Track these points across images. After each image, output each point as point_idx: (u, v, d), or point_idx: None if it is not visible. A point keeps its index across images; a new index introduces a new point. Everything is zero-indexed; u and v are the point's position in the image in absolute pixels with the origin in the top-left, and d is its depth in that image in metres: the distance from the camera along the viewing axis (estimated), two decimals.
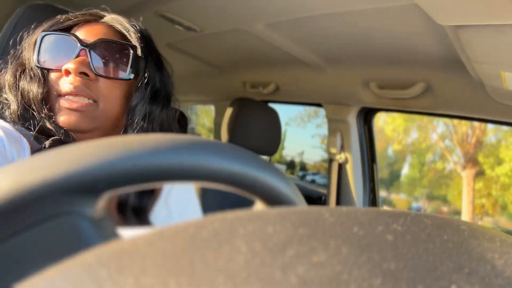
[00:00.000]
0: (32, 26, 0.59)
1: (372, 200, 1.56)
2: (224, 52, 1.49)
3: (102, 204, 0.22)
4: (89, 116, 0.55)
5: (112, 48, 0.57)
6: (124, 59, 0.57)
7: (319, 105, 1.61)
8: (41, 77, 0.55)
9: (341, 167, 1.53)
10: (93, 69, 0.54)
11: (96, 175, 0.20)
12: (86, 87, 0.54)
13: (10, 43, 0.63)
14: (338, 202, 1.54)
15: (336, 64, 1.29)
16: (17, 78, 0.57)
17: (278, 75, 1.55)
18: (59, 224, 0.20)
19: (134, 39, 0.59)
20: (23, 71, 0.57)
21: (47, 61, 0.56)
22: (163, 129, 0.62)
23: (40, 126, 0.53)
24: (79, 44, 0.55)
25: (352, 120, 1.48)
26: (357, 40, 1.05)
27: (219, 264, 0.12)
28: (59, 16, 0.59)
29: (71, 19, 0.59)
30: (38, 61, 0.56)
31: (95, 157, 0.20)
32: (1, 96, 0.57)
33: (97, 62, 0.55)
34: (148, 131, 0.60)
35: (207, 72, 1.81)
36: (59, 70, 0.55)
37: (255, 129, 1.40)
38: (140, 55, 0.59)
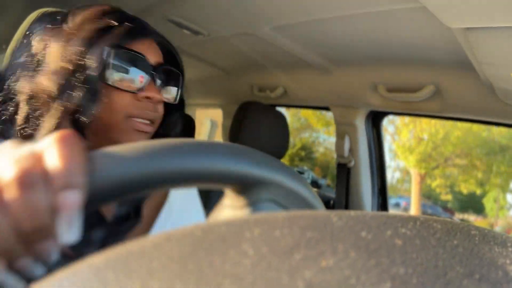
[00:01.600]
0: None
1: (381, 204, 1.55)
2: (231, 55, 1.49)
3: None
4: (147, 136, 0.56)
5: (172, 73, 0.60)
6: (177, 84, 0.61)
7: (327, 108, 1.60)
8: (100, 92, 0.51)
9: (349, 170, 1.52)
10: (163, 95, 0.57)
11: None
12: (155, 112, 0.56)
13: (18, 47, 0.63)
14: (347, 206, 1.53)
15: (344, 67, 1.29)
16: (62, 89, 0.50)
17: (286, 79, 1.55)
18: None
19: (180, 63, 0.62)
20: (70, 81, 0.51)
21: (115, 78, 0.52)
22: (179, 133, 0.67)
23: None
24: (149, 67, 0.55)
25: (360, 123, 1.47)
26: (365, 43, 1.05)
27: (226, 268, 0.12)
28: (116, 24, 0.54)
29: (131, 32, 0.55)
30: (105, 78, 0.51)
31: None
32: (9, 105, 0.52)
33: (162, 87, 0.58)
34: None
35: (215, 75, 1.82)
36: (130, 92, 0.53)
37: (262, 132, 1.40)
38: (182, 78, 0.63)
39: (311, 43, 1.15)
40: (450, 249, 0.15)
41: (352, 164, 1.50)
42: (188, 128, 2.02)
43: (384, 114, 1.49)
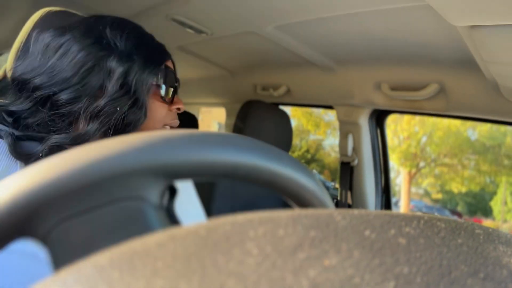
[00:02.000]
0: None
1: (385, 203, 1.54)
2: (234, 54, 1.49)
3: (167, 192, 0.23)
4: None
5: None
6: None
7: (330, 107, 1.60)
8: (143, 106, 0.59)
9: (353, 169, 1.52)
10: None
11: (167, 163, 0.21)
12: (177, 118, 0.66)
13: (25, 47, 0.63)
14: (350, 205, 1.53)
15: (347, 65, 1.28)
16: (122, 104, 0.57)
17: (289, 77, 1.55)
18: (126, 207, 0.21)
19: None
20: (133, 100, 0.58)
21: (165, 93, 0.63)
22: None
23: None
24: (175, 82, 0.65)
25: (363, 122, 1.47)
26: (369, 41, 1.04)
27: (230, 267, 0.12)
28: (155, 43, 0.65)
29: (165, 54, 0.65)
30: (166, 93, 0.63)
31: (168, 145, 0.22)
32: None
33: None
34: None
35: (218, 74, 1.82)
36: (166, 104, 0.63)
37: (266, 131, 1.40)
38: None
39: (315, 42, 1.14)
40: (454, 248, 0.15)
41: (355, 163, 1.50)
42: (191, 127, 2.02)
43: (388, 112, 1.49)
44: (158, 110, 0.62)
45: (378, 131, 1.52)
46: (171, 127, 0.64)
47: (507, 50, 0.73)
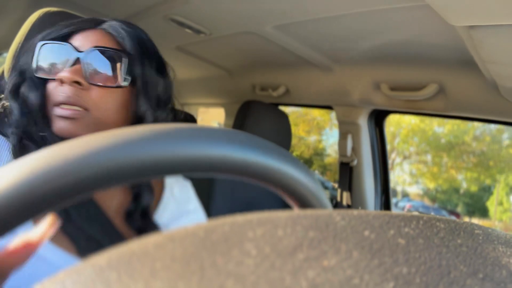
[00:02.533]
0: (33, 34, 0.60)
1: (385, 203, 1.54)
2: (233, 54, 1.49)
3: None
4: (82, 124, 0.55)
5: (106, 55, 0.57)
6: (118, 66, 0.57)
7: (329, 107, 1.60)
8: (39, 86, 0.56)
9: (352, 169, 1.52)
10: (86, 78, 0.55)
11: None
12: (78, 96, 0.54)
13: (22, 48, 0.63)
14: (350, 205, 1.53)
15: (346, 65, 1.28)
16: (18, 85, 0.57)
17: (288, 78, 1.54)
18: None
19: (129, 45, 0.58)
20: (24, 79, 0.57)
21: (45, 70, 0.56)
22: None
23: (38, 136, 0.55)
24: (74, 53, 0.55)
25: (363, 122, 1.47)
26: (368, 41, 1.04)
27: (228, 267, 0.12)
28: (61, 24, 0.59)
29: (69, 27, 0.58)
30: (37, 70, 0.56)
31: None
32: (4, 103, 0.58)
33: (90, 71, 0.55)
34: None
35: (217, 75, 1.82)
36: (55, 80, 0.55)
37: (265, 132, 1.40)
38: (135, 61, 0.58)
39: (314, 42, 1.14)
40: (453, 249, 0.15)
41: (355, 163, 1.50)
42: None
43: (387, 113, 1.49)
44: (49, 88, 0.56)
45: (378, 131, 1.52)
46: (64, 106, 0.55)
47: (506, 50, 0.73)
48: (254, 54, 1.42)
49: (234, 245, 0.13)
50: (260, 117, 1.40)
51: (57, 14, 0.69)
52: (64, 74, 0.53)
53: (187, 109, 2.23)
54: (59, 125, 0.54)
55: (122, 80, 0.57)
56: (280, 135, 1.45)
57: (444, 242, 0.15)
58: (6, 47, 0.70)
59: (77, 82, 0.54)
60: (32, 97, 0.55)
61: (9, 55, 0.66)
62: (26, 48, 0.60)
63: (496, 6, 0.58)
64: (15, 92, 0.57)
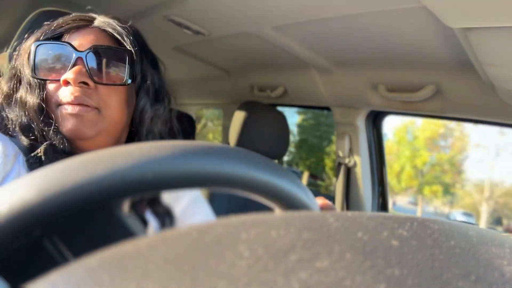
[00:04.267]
0: (25, 36, 0.59)
1: (381, 204, 1.55)
2: (232, 55, 1.49)
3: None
4: (92, 122, 0.55)
5: (108, 54, 0.57)
6: (121, 64, 0.57)
7: (327, 108, 1.60)
8: (38, 87, 0.55)
9: (349, 170, 1.52)
10: (91, 78, 0.54)
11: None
12: (86, 96, 0.54)
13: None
14: (347, 207, 1.53)
15: (344, 67, 1.28)
16: (14, 88, 0.57)
17: (286, 78, 1.55)
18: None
19: (128, 43, 0.58)
20: (19, 81, 0.57)
21: (44, 71, 0.55)
22: (166, 127, 0.64)
23: (39, 137, 0.54)
24: (74, 53, 0.54)
25: (360, 123, 1.47)
26: (366, 43, 1.04)
27: (221, 269, 0.12)
28: (49, 23, 0.58)
29: (63, 26, 0.57)
30: (35, 72, 0.55)
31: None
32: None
33: (94, 70, 0.55)
34: (154, 131, 0.61)
35: (215, 75, 1.82)
36: (57, 81, 0.54)
37: (263, 132, 1.40)
38: (135, 58, 0.58)
39: (312, 43, 1.14)
40: (446, 250, 0.15)
41: (352, 164, 1.50)
42: (189, 128, 2.02)
43: (385, 114, 1.49)
44: (51, 89, 0.56)
45: (375, 132, 1.53)
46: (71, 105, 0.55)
47: (503, 52, 0.73)
48: (252, 55, 1.42)
49: (227, 247, 0.13)
50: (258, 117, 1.40)
51: (53, 13, 0.69)
52: (69, 75, 0.53)
53: (186, 110, 2.23)
54: (69, 123, 0.54)
55: (128, 77, 0.57)
56: (278, 136, 1.45)
57: (437, 244, 0.15)
58: (4, 46, 0.69)
59: (84, 83, 0.54)
60: (31, 99, 0.55)
61: (5, 55, 0.66)
62: (20, 49, 0.59)
63: (493, 8, 0.58)
64: (11, 95, 0.57)
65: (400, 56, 1.07)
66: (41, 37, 0.56)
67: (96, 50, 0.56)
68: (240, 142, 1.35)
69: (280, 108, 1.81)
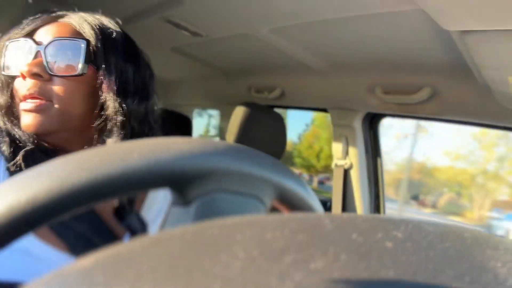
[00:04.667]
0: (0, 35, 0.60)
1: (377, 206, 1.55)
2: (229, 56, 1.49)
3: None
4: (46, 116, 0.54)
5: (65, 45, 0.56)
6: (77, 55, 0.56)
7: (324, 110, 1.60)
8: (7, 86, 0.56)
9: (346, 172, 1.52)
10: (46, 69, 0.54)
11: None
12: (40, 88, 0.54)
13: None
14: (343, 208, 1.53)
15: (341, 69, 1.29)
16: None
17: (284, 80, 1.55)
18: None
19: (87, 32, 0.57)
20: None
21: (11, 67, 0.56)
22: (141, 124, 0.60)
23: (10, 136, 0.54)
24: (34, 46, 0.55)
25: (357, 125, 1.47)
26: (363, 45, 1.05)
27: (215, 270, 0.12)
28: (23, 22, 0.59)
29: (33, 23, 0.58)
30: (3, 69, 0.56)
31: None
32: None
33: (51, 62, 0.55)
34: (126, 127, 0.58)
35: (212, 76, 1.82)
36: (19, 76, 0.55)
37: (260, 134, 1.40)
38: (95, 48, 0.57)
39: (309, 45, 1.15)
40: (441, 252, 0.15)
41: (348, 166, 1.50)
42: (185, 129, 2.01)
43: (381, 116, 1.49)
44: (16, 85, 0.56)
45: (372, 134, 1.53)
46: (28, 100, 0.54)
47: (500, 55, 0.73)
48: (250, 56, 1.42)
49: (222, 248, 0.13)
50: (255, 119, 1.40)
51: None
52: (23, 68, 0.53)
53: (183, 111, 2.23)
54: (25, 120, 0.54)
55: (82, 68, 0.56)
56: (275, 137, 1.45)
57: (432, 245, 0.16)
58: None
59: (37, 74, 0.53)
60: (1, 99, 0.56)
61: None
62: None
63: (490, 12, 0.58)
64: None
65: (397, 58, 1.07)
66: (13, 36, 0.57)
67: (54, 42, 0.55)
68: (237, 143, 1.35)
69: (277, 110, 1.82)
